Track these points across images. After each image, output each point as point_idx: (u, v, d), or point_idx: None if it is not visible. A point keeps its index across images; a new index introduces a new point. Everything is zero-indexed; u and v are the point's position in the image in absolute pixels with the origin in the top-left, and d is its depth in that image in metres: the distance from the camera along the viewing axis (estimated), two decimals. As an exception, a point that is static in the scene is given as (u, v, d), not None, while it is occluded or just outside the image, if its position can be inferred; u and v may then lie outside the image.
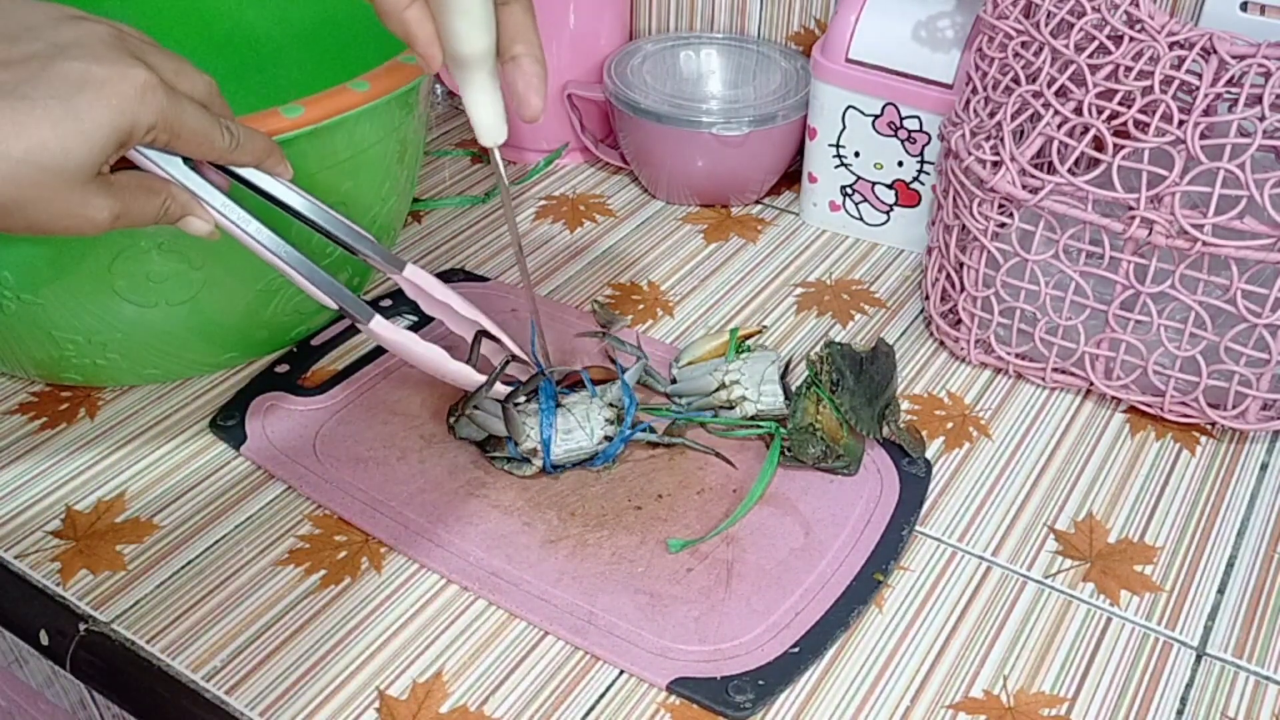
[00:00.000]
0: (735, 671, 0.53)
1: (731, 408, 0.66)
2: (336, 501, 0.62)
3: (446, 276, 0.80)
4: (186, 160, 0.51)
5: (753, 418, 0.66)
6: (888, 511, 0.61)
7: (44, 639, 0.56)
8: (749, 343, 0.71)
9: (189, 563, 0.59)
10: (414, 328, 0.74)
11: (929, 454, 0.66)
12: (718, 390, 0.66)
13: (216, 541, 0.60)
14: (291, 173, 0.55)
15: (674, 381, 0.69)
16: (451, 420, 0.65)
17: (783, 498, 0.62)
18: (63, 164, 0.45)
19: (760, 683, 0.52)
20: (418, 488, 0.63)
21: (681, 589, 0.57)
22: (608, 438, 0.63)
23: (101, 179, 0.47)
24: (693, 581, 0.57)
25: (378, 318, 0.60)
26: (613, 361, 0.70)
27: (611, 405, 0.64)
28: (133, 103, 0.46)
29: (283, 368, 0.71)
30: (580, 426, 0.63)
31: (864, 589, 0.57)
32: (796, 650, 0.54)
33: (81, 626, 0.56)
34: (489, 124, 0.55)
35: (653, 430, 0.65)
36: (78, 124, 0.45)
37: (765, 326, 0.76)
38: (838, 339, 0.71)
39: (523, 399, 0.63)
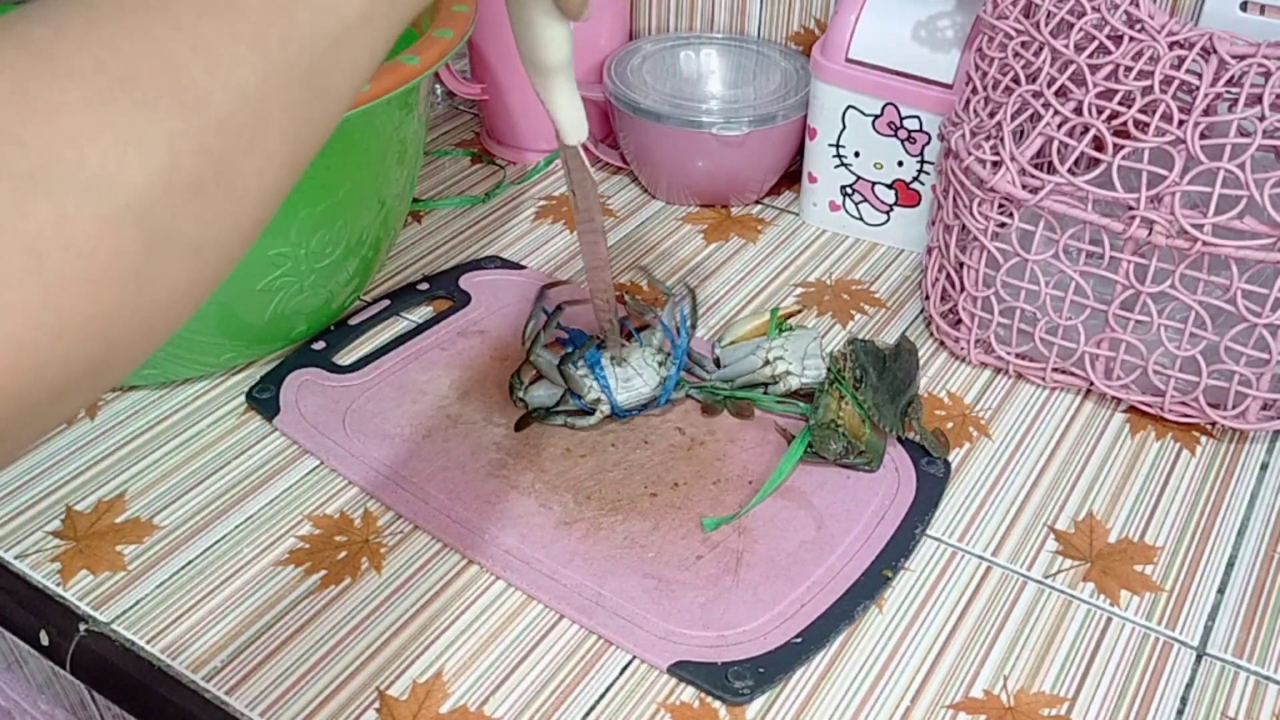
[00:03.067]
0: (736, 658, 0.53)
1: (776, 383, 0.67)
2: (361, 475, 0.63)
3: (481, 264, 0.81)
4: None
5: (796, 392, 0.67)
6: (902, 509, 0.62)
7: (44, 639, 0.56)
8: (788, 322, 0.73)
9: (189, 563, 0.59)
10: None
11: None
12: (763, 367, 0.67)
13: (216, 542, 0.60)
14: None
15: (717, 362, 0.70)
16: (520, 392, 0.67)
17: (798, 491, 0.63)
18: None
19: (760, 670, 0.53)
20: (440, 465, 0.64)
21: (690, 575, 0.57)
22: (663, 380, 0.66)
23: None
24: (702, 569, 0.58)
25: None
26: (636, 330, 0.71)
27: (658, 350, 0.67)
28: None
29: (319, 345, 0.72)
30: (638, 374, 0.66)
31: (872, 585, 0.57)
32: (799, 641, 0.54)
33: (82, 627, 0.56)
34: (574, 123, 0.58)
35: (698, 374, 0.68)
36: None
37: (804, 306, 0.77)
38: (861, 336, 0.72)
39: (576, 364, 0.66)
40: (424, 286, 0.78)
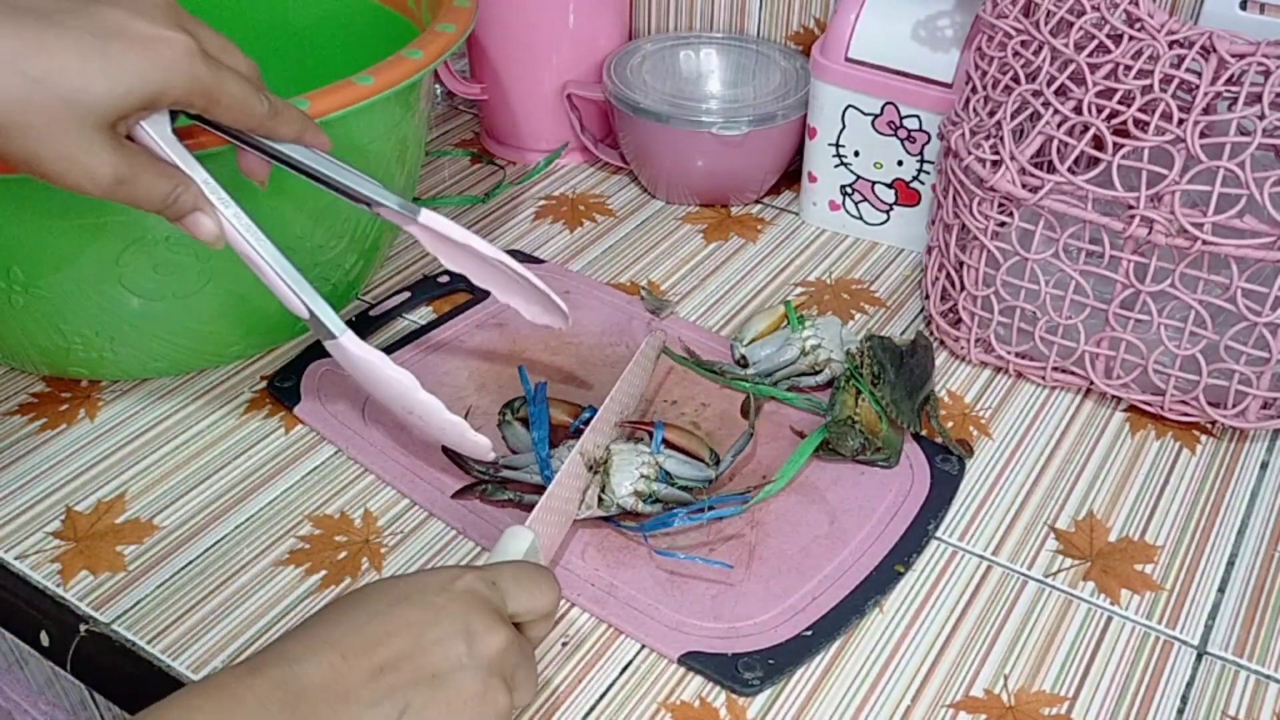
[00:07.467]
0: (746, 649, 0.54)
1: (817, 372, 0.68)
2: (379, 465, 0.64)
3: None
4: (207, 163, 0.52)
5: (830, 381, 0.68)
6: (915, 506, 0.62)
7: (44, 640, 0.56)
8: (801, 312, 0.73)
9: (189, 563, 0.59)
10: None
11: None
12: (803, 357, 0.68)
13: (217, 542, 0.60)
14: (330, 144, 0.56)
15: (741, 361, 0.70)
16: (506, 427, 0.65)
17: (811, 486, 0.63)
18: (78, 96, 0.44)
19: (770, 662, 0.53)
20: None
21: (702, 568, 0.58)
22: (638, 493, 0.59)
23: (114, 134, 0.47)
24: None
25: (349, 334, 0.58)
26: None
27: (649, 466, 0.60)
28: (168, 64, 0.46)
29: None
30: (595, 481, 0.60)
31: (883, 579, 0.58)
32: (809, 634, 0.55)
33: (82, 627, 0.56)
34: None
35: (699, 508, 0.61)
36: (104, 62, 0.44)
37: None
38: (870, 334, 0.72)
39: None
40: (444, 279, 0.79)
